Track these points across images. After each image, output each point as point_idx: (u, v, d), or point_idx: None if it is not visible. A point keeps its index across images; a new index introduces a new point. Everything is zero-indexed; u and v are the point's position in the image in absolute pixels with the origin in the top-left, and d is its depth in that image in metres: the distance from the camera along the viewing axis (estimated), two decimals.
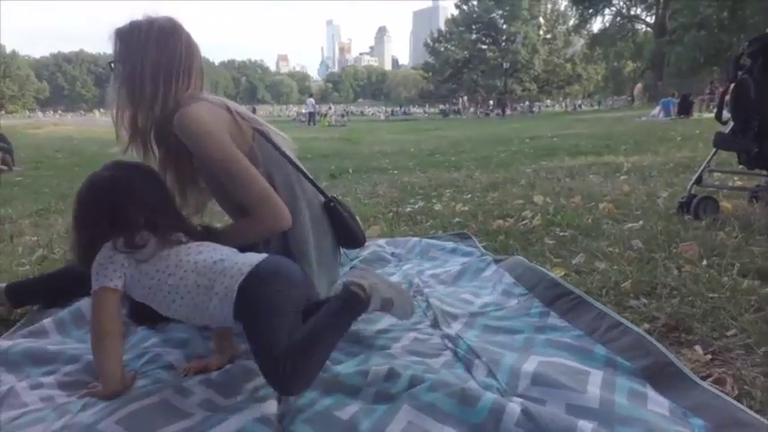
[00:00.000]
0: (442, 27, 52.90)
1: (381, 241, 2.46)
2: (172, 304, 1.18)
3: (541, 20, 47.55)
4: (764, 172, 2.63)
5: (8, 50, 71.49)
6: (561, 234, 2.47)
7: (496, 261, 2.09)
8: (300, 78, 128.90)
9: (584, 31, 38.98)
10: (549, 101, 48.39)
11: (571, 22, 41.51)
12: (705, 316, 1.48)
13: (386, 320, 1.57)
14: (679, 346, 1.34)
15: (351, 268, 2.03)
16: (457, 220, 2.96)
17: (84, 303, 1.70)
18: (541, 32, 47.39)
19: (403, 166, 6.23)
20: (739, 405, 1.05)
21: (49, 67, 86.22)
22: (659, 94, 21.02)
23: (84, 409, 1.13)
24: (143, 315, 1.52)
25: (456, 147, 8.82)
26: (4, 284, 1.78)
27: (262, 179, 1.39)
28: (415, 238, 2.49)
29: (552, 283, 1.73)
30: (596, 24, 40.00)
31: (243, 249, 1.28)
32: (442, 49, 48.54)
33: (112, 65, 1.44)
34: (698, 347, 1.31)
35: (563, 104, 44.72)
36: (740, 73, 2.51)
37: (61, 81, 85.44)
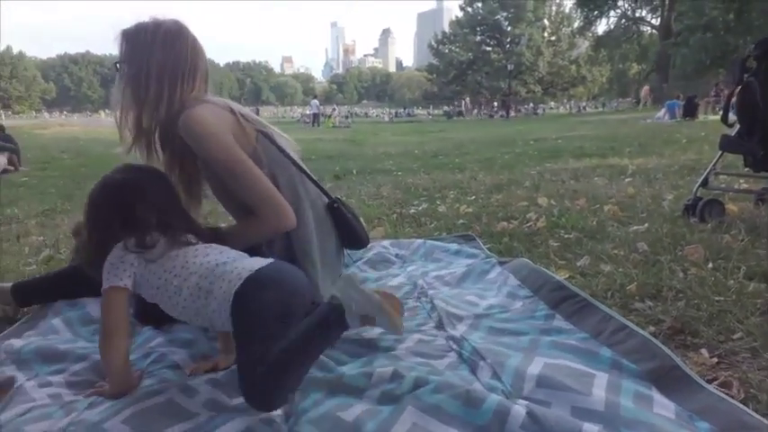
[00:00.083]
0: (447, 29, 52.81)
1: (386, 242, 2.45)
2: (177, 305, 1.19)
3: (546, 22, 47.49)
4: None
5: (15, 51, 72.02)
6: (566, 236, 2.47)
7: (501, 263, 2.08)
8: (305, 80, 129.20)
9: (588, 33, 38.83)
10: (553, 103, 48.31)
11: (576, 24, 41.39)
12: (711, 319, 1.47)
13: None
14: (685, 350, 1.34)
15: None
16: (461, 221, 2.96)
17: (90, 302, 1.71)
18: (546, 34, 47.29)
19: (407, 167, 6.23)
20: (745, 408, 1.05)
21: (55, 68, 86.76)
22: (664, 97, 20.92)
23: (91, 408, 1.14)
24: (148, 315, 1.54)
25: (460, 148, 8.81)
26: (9, 284, 1.80)
27: (266, 180, 1.39)
28: (420, 240, 2.49)
29: (557, 285, 1.73)
30: (601, 26, 40.05)
31: (250, 252, 1.28)
32: (447, 50, 48.51)
33: (118, 65, 1.45)
34: (704, 351, 1.31)
35: (567, 106, 44.59)
36: (746, 76, 2.51)
37: (68, 82, 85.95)
